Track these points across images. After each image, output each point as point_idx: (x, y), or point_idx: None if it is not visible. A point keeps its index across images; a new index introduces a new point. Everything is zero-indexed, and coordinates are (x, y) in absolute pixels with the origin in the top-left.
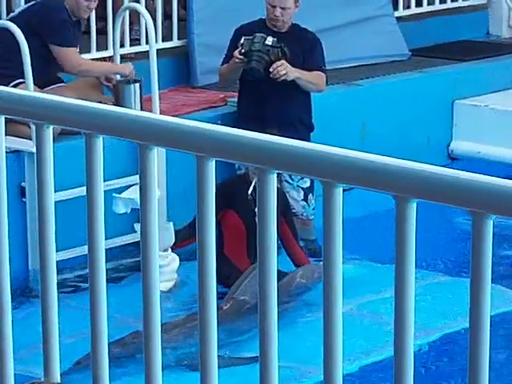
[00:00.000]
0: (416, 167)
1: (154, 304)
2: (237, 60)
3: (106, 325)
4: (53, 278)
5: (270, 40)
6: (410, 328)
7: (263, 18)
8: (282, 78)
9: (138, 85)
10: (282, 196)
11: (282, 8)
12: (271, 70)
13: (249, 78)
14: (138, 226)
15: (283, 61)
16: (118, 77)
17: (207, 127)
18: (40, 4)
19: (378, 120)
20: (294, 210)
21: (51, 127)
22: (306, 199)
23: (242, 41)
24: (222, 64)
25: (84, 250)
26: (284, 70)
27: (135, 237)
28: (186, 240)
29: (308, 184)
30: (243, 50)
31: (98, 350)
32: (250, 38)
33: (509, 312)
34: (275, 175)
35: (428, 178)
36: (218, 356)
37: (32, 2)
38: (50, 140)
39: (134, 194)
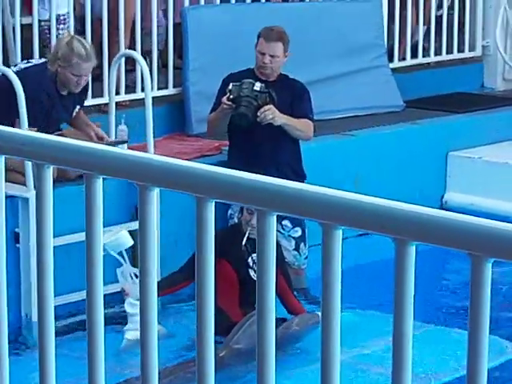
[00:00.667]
0: (415, 210)
1: (151, 350)
2: (225, 106)
3: (103, 372)
4: (51, 323)
5: (258, 85)
6: (408, 370)
7: (251, 67)
8: (269, 121)
9: (124, 145)
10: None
11: (271, 56)
12: (258, 114)
13: (237, 123)
14: (120, 273)
15: (271, 105)
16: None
17: (208, 168)
18: (21, 79)
19: (372, 171)
20: (286, 260)
21: (51, 167)
22: (297, 249)
23: (230, 87)
24: (210, 112)
25: (71, 296)
26: (271, 114)
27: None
28: (177, 284)
29: (299, 233)
30: (231, 96)
31: None
32: (238, 84)
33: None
34: (275, 217)
35: (427, 221)
36: None
37: (19, 68)
38: (50, 180)
39: (113, 237)
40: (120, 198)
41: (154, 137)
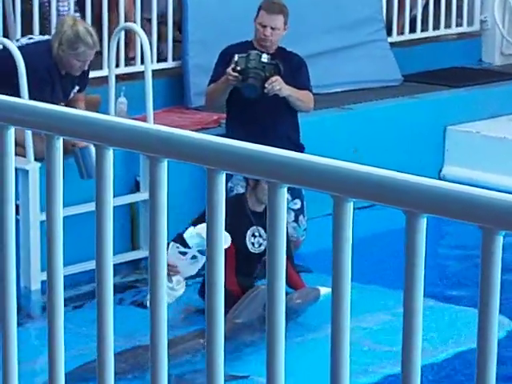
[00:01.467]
0: (427, 182)
1: (161, 319)
2: (231, 77)
3: (112, 341)
4: (60, 292)
5: (265, 57)
6: (418, 344)
7: (249, 39)
8: (276, 92)
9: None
10: None
11: (272, 28)
12: (266, 85)
13: (246, 95)
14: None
15: (278, 77)
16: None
17: (219, 140)
18: (23, 54)
19: (370, 144)
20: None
21: (61, 139)
22: (296, 220)
23: (236, 58)
24: (209, 84)
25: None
26: (278, 85)
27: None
28: None
29: (299, 205)
30: (239, 68)
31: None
32: (244, 55)
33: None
34: (285, 189)
35: (438, 194)
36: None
37: (21, 43)
38: (60, 151)
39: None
40: (120, 170)
41: (153, 109)
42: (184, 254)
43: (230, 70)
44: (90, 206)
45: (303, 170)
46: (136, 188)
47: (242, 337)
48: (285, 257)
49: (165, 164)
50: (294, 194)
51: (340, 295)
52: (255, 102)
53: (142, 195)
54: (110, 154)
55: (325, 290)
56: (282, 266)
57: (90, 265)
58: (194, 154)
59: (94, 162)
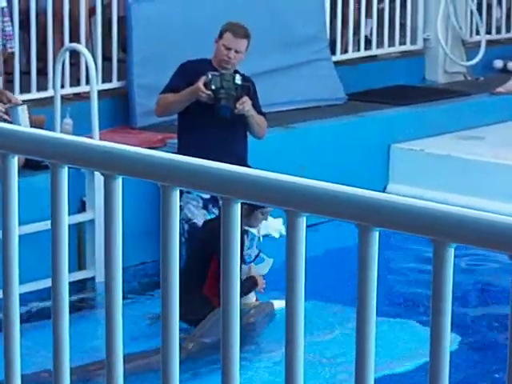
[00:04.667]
0: (379, 196)
1: (117, 332)
2: (203, 94)
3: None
4: (15, 311)
5: (238, 78)
6: (371, 360)
7: (208, 58)
8: (244, 113)
9: (24, 107)
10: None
11: (236, 51)
12: (238, 105)
13: (220, 115)
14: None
15: (247, 97)
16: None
17: (173, 157)
18: None
19: (315, 163)
20: None
21: (16, 157)
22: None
23: (209, 76)
24: (164, 92)
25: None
26: (248, 106)
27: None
28: None
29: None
30: (213, 87)
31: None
32: (217, 74)
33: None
34: (239, 205)
35: (389, 207)
36: None
37: None
38: (15, 170)
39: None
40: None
41: (98, 130)
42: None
43: (201, 86)
44: (38, 226)
45: (257, 186)
46: (82, 208)
47: (207, 355)
48: (238, 274)
49: (119, 181)
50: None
51: (293, 311)
52: (214, 118)
53: (89, 215)
54: (64, 172)
55: (278, 304)
56: (236, 285)
57: (37, 285)
58: (149, 170)
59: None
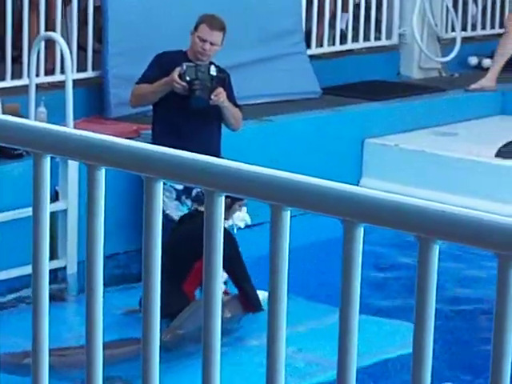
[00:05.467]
0: (364, 192)
1: (97, 322)
2: (178, 85)
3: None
4: None
5: (213, 69)
6: (354, 354)
7: (183, 49)
8: (219, 104)
9: None
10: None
11: (212, 43)
12: (213, 96)
13: (193, 106)
14: None
15: (221, 88)
16: None
17: (157, 149)
18: None
19: (289, 156)
20: None
21: None
22: None
23: (184, 67)
24: (139, 83)
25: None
26: (222, 97)
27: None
28: None
29: None
30: (188, 78)
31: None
32: (193, 65)
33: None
34: (223, 198)
35: (373, 203)
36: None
37: None
38: None
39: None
40: None
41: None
42: None
43: (176, 77)
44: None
45: (242, 179)
46: (55, 197)
47: (183, 347)
48: (221, 268)
49: (102, 172)
50: None
51: (276, 306)
52: (189, 109)
53: (62, 205)
54: (46, 161)
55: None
56: (218, 278)
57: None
58: (132, 162)
59: None
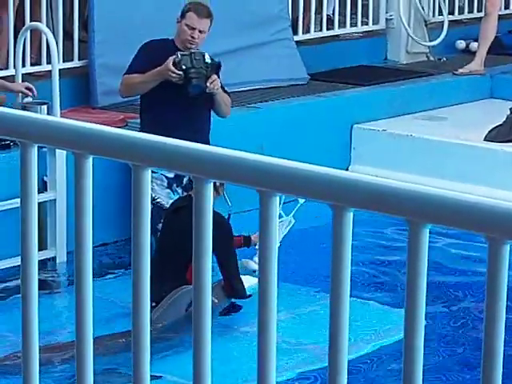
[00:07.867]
0: (354, 177)
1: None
2: (174, 75)
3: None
4: None
5: (208, 57)
6: (345, 337)
7: (170, 38)
8: (214, 91)
9: (45, 107)
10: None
11: (200, 31)
12: (208, 84)
13: (191, 93)
14: None
15: (216, 76)
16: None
17: (145, 137)
18: None
19: (277, 143)
20: None
21: None
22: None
23: (178, 56)
24: (128, 73)
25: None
26: (217, 84)
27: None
28: None
29: None
30: (184, 67)
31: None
32: (187, 53)
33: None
34: (212, 185)
35: (364, 188)
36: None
37: None
38: None
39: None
40: None
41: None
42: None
43: (171, 66)
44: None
45: (230, 165)
46: (44, 188)
47: (163, 338)
48: (210, 253)
49: (90, 161)
50: None
51: (266, 293)
52: (180, 96)
53: (50, 195)
54: (34, 151)
55: (250, 281)
56: (208, 264)
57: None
58: (121, 150)
59: None
